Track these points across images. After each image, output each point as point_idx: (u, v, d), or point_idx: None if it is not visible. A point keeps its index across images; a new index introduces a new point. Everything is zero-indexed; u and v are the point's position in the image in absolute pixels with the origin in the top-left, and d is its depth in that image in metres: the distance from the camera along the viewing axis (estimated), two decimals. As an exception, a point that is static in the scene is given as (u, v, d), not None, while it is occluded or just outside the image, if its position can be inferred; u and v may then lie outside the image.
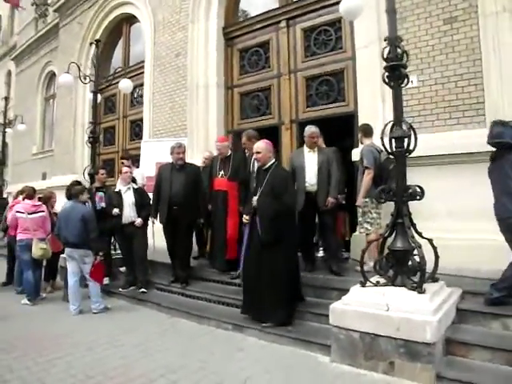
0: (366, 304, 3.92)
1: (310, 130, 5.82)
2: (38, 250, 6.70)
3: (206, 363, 4.08)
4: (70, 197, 6.67)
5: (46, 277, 7.37)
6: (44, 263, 7.26)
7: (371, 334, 3.81)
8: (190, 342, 4.70)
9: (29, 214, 6.85)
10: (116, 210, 6.50)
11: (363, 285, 4.19)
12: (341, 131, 7.21)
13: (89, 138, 8.45)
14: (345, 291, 4.32)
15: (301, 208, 5.55)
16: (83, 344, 4.46)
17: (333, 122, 7.12)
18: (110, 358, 4.27)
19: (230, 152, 6.46)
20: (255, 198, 4.89)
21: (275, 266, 4.67)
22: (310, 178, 5.69)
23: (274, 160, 4.97)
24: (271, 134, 7.56)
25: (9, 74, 25.49)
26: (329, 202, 5.58)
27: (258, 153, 4.94)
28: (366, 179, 5.30)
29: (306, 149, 5.88)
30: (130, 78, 9.70)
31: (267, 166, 4.92)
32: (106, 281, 6.92)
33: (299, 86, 7.60)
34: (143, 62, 10.44)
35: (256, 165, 5.42)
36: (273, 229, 4.65)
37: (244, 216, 5.16)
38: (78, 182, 7.28)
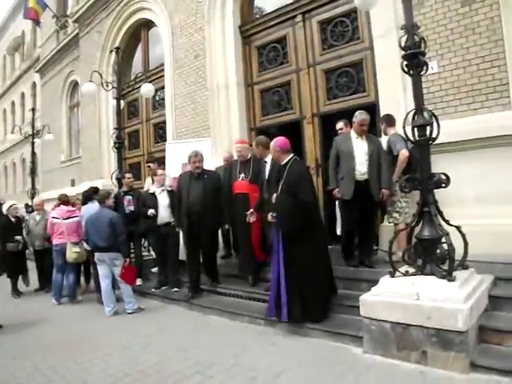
0: (396, 294, 3.93)
1: (361, 116, 5.52)
2: (71, 253, 7.03)
3: (239, 358, 4.16)
4: (84, 201, 7.29)
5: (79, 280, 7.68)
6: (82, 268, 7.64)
7: (402, 323, 3.80)
8: (223, 338, 4.79)
9: (64, 219, 7.20)
10: (152, 211, 6.73)
11: (392, 275, 4.18)
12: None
13: (114, 143, 8.65)
14: (375, 282, 4.32)
15: (350, 197, 5.41)
16: (119, 344, 4.60)
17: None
18: (145, 356, 4.40)
19: (250, 154, 6.33)
20: (275, 196, 4.89)
21: (302, 264, 4.64)
22: (360, 165, 5.44)
23: (291, 155, 4.93)
24: (293, 128, 7.57)
25: (34, 85, 26.18)
26: (383, 194, 5.42)
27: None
28: (401, 160, 5.19)
29: (353, 135, 5.61)
30: (150, 81, 9.86)
31: (283, 162, 4.91)
32: (138, 282, 7.10)
33: (318, 79, 7.58)
34: (163, 65, 10.55)
35: (267, 169, 5.64)
36: (290, 226, 4.62)
37: (269, 215, 4.91)
38: (95, 188, 7.48)
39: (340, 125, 6.27)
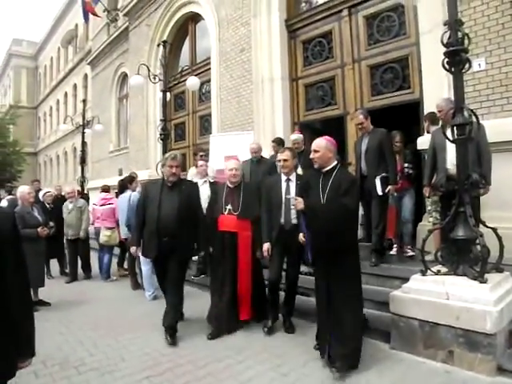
0: (426, 292, 3.95)
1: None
2: (103, 236, 7.93)
3: (267, 344, 4.41)
4: (120, 191, 7.85)
5: (118, 262, 8.41)
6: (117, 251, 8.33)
7: (431, 322, 3.83)
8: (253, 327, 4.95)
9: (100, 205, 8.13)
10: None
11: (424, 273, 4.18)
12: (405, 120, 7.08)
13: (160, 135, 8.94)
14: (407, 280, 4.33)
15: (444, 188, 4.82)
16: (158, 326, 4.78)
17: (397, 110, 7.06)
18: (182, 338, 4.61)
19: (239, 179, 5.03)
20: (318, 205, 3.98)
21: (345, 291, 3.79)
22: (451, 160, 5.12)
23: (336, 162, 4.04)
24: (336, 124, 7.60)
25: (85, 77, 27.04)
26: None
27: (315, 151, 4.00)
28: None
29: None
30: (197, 74, 10.10)
31: (329, 167, 4.01)
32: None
33: (363, 74, 7.57)
34: (209, 58, 10.78)
35: (293, 188, 4.64)
36: (339, 239, 3.75)
37: (300, 237, 4.20)
38: (130, 178, 7.72)
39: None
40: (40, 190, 10.69)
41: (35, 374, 3.86)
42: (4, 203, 10.86)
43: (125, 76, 16.87)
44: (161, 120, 9.13)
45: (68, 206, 8.34)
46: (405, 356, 3.97)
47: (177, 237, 4.61)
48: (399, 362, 3.88)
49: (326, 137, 4.12)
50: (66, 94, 32.69)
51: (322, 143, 3.99)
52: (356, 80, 7.67)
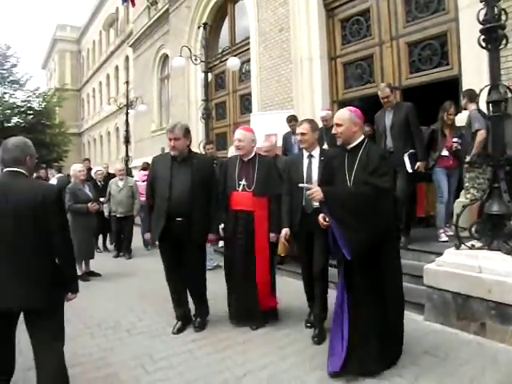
0: (459, 266, 4.08)
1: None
2: None
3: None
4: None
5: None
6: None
7: (463, 294, 3.98)
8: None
9: (142, 181, 8.56)
10: None
11: (458, 247, 4.29)
12: (444, 97, 7.09)
13: (202, 114, 9.29)
14: (442, 255, 4.45)
15: None
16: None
17: (435, 87, 7.10)
18: (224, 306, 4.74)
19: (254, 152, 4.45)
20: (342, 190, 3.42)
21: (382, 291, 3.30)
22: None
23: (363, 136, 3.48)
24: (375, 102, 7.72)
25: (127, 59, 27.71)
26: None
27: (338, 125, 3.44)
28: (478, 140, 5.13)
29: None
30: (236, 55, 10.35)
31: (355, 143, 3.44)
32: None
33: (401, 52, 7.61)
34: (248, 38, 10.99)
35: (315, 165, 4.13)
36: (372, 230, 3.16)
37: (321, 218, 3.54)
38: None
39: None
40: (91, 168, 11.37)
41: (91, 335, 4.36)
42: (54, 181, 11.66)
43: (166, 57, 17.27)
44: (203, 100, 9.45)
45: (118, 183, 8.53)
46: (438, 327, 4.15)
47: (191, 217, 4.15)
48: (432, 332, 4.05)
49: (350, 107, 3.57)
50: (108, 75, 33.58)
51: (344, 115, 3.45)
52: (394, 57, 7.72)
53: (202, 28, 9.75)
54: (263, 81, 10.24)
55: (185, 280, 4.46)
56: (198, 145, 9.73)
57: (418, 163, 5.54)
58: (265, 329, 4.31)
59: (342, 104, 8.49)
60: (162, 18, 16.53)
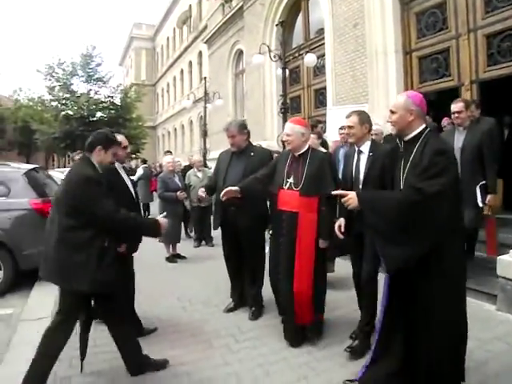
0: None
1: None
2: None
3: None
4: None
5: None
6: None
7: None
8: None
9: None
10: None
11: None
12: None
13: (281, 109, 9.78)
14: None
15: None
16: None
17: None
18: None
19: (307, 146, 4.05)
20: (386, 195, 2.94)
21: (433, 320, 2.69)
22: None
23: (423, 127, 2.87)
24: (450, 95, 7.80)
25: (200, 54, 28.75)
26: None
27: (392, 112, 2.94)
28: None
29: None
30: (311, 50, 10.64)
31: (412, 135, 2.88)
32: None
33: (479, 44, 7.56)
34: (322, 33, 11.25)
35: (363, 162, 3.74)
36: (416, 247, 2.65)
37: (337, 228, 3.44)
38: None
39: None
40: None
41: (184, 309, 4.98)
42: (140, 171, 12.87)
43: (240, 53, 17.91)
44: (281, 95, 9.94)
45: (197, 174, 8.86)
46: (510, 317, 4.28)
47: (243, 205, 4.26)
48: (504, 322, 4.19)
49: (410, 92, 3.13)
50: (181, 70, 34.96)
51: (399, 101, 2.92)
52: (471, 50, 7.67)
53: (275, 24, 10.15)
54: (338, 75, 10.50)
55: (244, 265, 4.78)
56: (274, 138, 10.25)
57: (489, 197, 4.94)
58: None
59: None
60: (236, 14, 17.15)
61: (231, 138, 4.58)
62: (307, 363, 3.53)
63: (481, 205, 4.89)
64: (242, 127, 4.64)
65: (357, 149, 3.80)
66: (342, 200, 2.91)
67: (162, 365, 3.48)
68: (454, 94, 7.82)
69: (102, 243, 3.05)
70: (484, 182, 4.92)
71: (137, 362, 3.40)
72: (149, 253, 6.99)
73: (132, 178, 5.84)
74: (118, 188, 3.87)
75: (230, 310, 4.81)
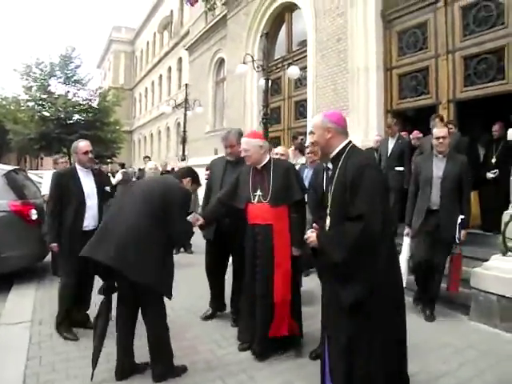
0: (505, 270, 4.43)
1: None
2: None
3: None
4: None
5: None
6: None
7: (508, 297, 4.32)
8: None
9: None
10: None
11: (504, 254, 4.66)
12: (498, 111, 7.24)
13: (262, 119, 9.88)
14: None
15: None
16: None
17: (490, 101, 7.32)
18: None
19: (268, 157, 4.00)
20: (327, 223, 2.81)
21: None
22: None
23: (345, 142, 2.86)
24: (429, 113, 8.03)
25: (179, 61, 28.74)
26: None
27: (312, 133, 3.03)
28: None
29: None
30: (293, 62, 10.75)
31: (334, 153, 2.85)
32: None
33: (457, 65, 7.81)
34: (305, 45, 11.42)
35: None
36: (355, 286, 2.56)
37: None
38: None
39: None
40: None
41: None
42: (119, 176, 12.80)
43: (221, 61, 18.02)
44: (263, 106, 10.05)
45: None
46: (482, 327, 4.49)
47: (236, 217, 4.09)
48: (476, 331, 4.41)
49: (327, 111, 3.12)
50: (160, 76, 34.84)
51: (316, 122, 2.95)
52: (449, 70, 7.91)
53: (260, 35, 10.28)
54: (319, 88, 10.66)
55: (223, 273, 4.87)
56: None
57: (463, 232, 4.78)
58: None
59: (396, 114, 8.88)
60: (219, 23, 17.27)
61: (230, 147, 4.50)
62: (291, 369, 3.58)
63: (458, 242, 4.75)
64: (240, 135, 4.50)
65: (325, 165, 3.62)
66: (305, 237, 2.87)
67: (183, 370, 3.51)
68: (431, 111, 8.08)
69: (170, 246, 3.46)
70: (462, 216, 4.76)
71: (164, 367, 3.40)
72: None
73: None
74: (70, 189, 4.29)
75: (207, 318, 4.82)
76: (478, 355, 3.80)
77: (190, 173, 3.83)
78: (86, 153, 4.45)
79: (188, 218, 3.71)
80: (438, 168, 4.84)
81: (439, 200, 4.81)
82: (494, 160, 6.64)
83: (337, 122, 2.85)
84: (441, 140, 4.83)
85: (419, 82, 8.66)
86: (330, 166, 3.18)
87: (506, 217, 4.95)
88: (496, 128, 6.84)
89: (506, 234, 4.70)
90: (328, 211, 2.79)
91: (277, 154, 4.57)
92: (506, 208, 5.28)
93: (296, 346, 3.93)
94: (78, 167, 4.45)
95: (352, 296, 2.54)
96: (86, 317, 4.43)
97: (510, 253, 4.67)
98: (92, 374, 3.22)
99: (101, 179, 4.85)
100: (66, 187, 4.27)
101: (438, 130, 4.97)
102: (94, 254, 3.13)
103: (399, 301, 2.72)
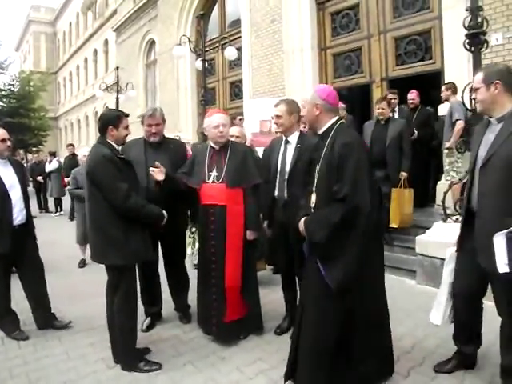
0: (447, 235, 4.64)
1: None
2: None
3: None
4: None
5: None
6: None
7: None
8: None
9: None
10: None
11: (445, 221, 5.12)
12: (426, 88, 7.71)
13: (200, 100, 9.78)
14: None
15: None
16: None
17: (419, 79, 7.70)
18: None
19: (228, 138, 3.89)
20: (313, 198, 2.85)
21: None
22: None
23: (334, 120, 2.87)
24: (363, 91, 8.33)
25: (106, 43, 27.63)
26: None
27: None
28: (457, 129, 5.78)
29: None
30: (227, 42, 10.67)
31: (323, 129, 2.88)
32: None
33: (388, 45, 8.15)
34: (239, 26, 11.33)
35: (290, 153, 3.72)
36: (343, 267, 2.63)
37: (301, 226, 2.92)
38: None
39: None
40: (74, 154, 11.72)
41: None
42: (55, 164, 12.17)
43: (152, 43, 17.52)
44: (202, 87, 9.95)
45: None
46: (428, 289, 4.82)
47: (166, 208, 3.56)
48: (424, 293, 4.73)
49: (319, 85, 3.32)
50: (86, 59, 33.40)
51: (307, 97, 2.97)
52: (381, 50, 8.25)
53: (191, 14, 10.09)
54: (255, 69, 10.66)
55: (167, 272, 4.31)
56: (188, 130, 10.20)
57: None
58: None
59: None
60: (148, 3, 16.72)
61: (156, 126, 3.96)
62: (259, 345, 3.69)
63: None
64: (163, 115, 4.14)
65: (284, 139, 3.75)
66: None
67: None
68: (365, 89, 8.37)
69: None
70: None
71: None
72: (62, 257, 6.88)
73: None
74: None
75: (149, 328, 4.13)
76: (427, 315, 4.00)
77: (108, 120, 3.32)
78: (3, 140, 3.92)
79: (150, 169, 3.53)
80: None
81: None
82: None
83: (326, 99, 2.83)
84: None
85: (353, 61, 8.92)
86: (289, 139, 3.65)
87: (443, 187, 5.34)
88: (413, 96, 7.16)
89: (445, 204, 5.13)
90: (314, 188, 2.80)
91: (232, 136, 4.12)
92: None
93: (257, 324, 3.92)
94: None
95: (339, 277, 2.62)
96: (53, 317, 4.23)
97: (449, 219, 5.08)
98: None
99: (22, 169, 4.30)
100: None
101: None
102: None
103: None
